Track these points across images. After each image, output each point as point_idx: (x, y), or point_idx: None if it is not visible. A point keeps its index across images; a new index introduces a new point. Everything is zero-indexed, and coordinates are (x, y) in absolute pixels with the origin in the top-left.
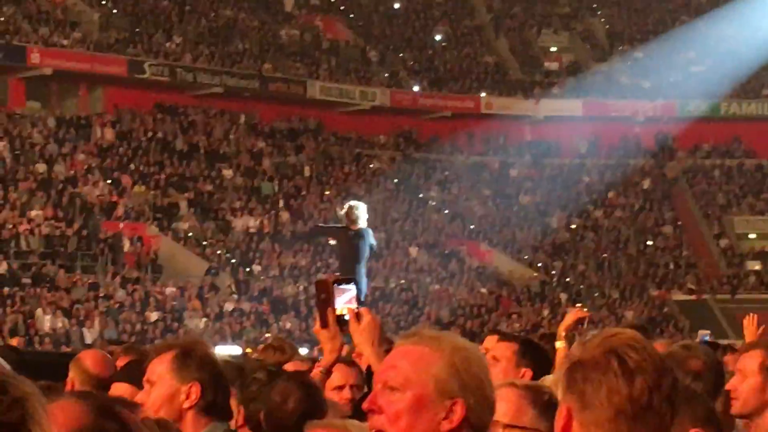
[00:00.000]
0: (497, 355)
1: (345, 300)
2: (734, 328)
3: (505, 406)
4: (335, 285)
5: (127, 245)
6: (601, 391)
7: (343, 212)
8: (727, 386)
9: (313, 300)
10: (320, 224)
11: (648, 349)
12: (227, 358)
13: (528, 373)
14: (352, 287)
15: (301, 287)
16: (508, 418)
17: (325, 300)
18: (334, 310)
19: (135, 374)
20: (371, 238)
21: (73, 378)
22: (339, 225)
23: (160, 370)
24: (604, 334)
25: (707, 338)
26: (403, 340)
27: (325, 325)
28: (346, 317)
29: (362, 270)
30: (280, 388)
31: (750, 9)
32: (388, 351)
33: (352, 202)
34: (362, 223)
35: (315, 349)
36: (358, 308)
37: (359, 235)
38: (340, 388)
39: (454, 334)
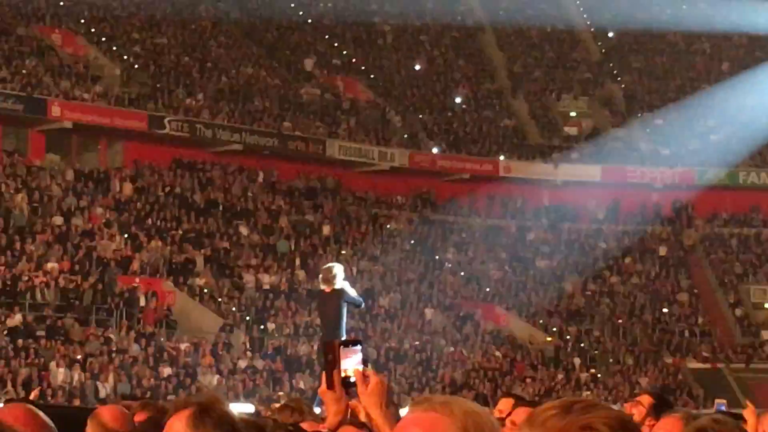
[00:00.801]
0: (516, 419)
1: (353, 362)
2: (749, 398)
3: None
4: (342, 347)
5: (142, 300)
6: None
7: (320, 276)
8: None
9: None
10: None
11: (610, 410)
12: (245, 416)
13: None
14: (358, 349)
15: (315, 346)
16: None
17: (332, 361)
18: (340, 371)
19: None
20: (351, 296)
21: None
22: (318, 289)
23: (178, 427)
24: (559, 406)
25: (723, 408)
26: (414, 406)
27: (331, 386)
28: (353, 379)
29: (342, 328)
30: None
31: None
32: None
33: (328, 264)
34: (338, 283)
35: None
36: (364, 370)
37: (336, 295)
38: None
39: (464, 399)
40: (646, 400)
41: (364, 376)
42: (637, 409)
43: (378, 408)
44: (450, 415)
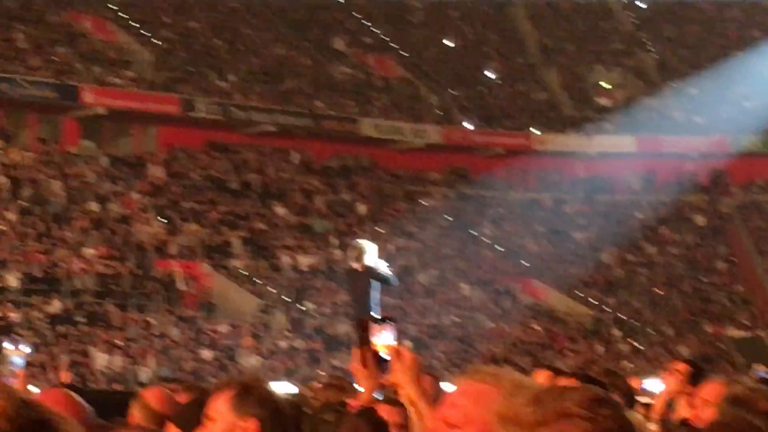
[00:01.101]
0: None
1: (385, 339)
2: None
3: None
4: (373, 324)
5: (180, 283)
6: None
7: (349, 253)
8: None
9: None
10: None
11: (592, 388)
12: (288, 396)
13: None
14: (391, 325)
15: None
16: None
17: (364, 338)
18: (372, 348)
19: (190, 415)
20: (381, 273)
21: (137, 416)
22: (352, 267)
23: (220, 406)
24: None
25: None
26: (465, 376)
27: (363, 363)
28: (385, 356)
29: (370, 306)
30: (351, 427)
31: None
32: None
33: (356, 241)
34: (368, 260)
35: None
36: (398, 346)
37: (365, 272)
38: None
39: (514, 371)
40: (683, 367)
41: (398, 353)
42: (675, 377)
43: (412, 384)
44: (498, 386)
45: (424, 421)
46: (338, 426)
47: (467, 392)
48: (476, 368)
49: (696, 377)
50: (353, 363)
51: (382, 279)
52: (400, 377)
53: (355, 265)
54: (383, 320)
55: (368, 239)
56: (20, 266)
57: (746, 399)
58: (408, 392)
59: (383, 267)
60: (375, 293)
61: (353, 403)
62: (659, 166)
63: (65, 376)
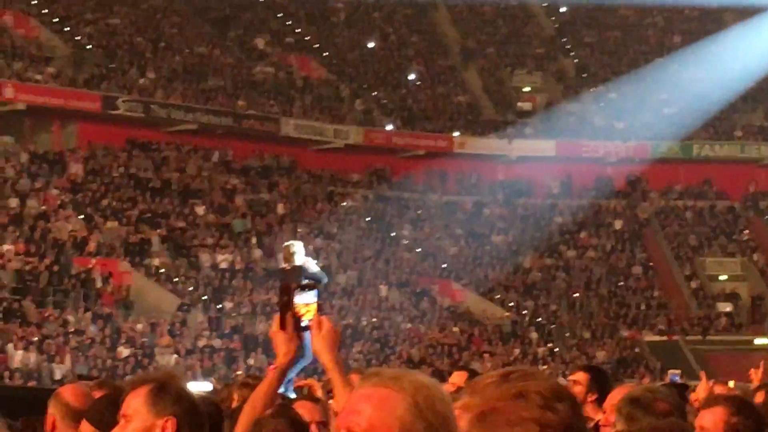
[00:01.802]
0: None
1: (305, 299)
2: (705, 369)
3: None
4: (298, 290)
5: (98, 281)
6: (532, 429)
7: (280, 254)
8: None
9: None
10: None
11: (547, 378)
12: (203, 394)
13: None
14: (314, 293)
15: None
16: None
17: (286, 303)
18: (294, 313)
19: (104, 412)
20: (311, 272)
21: (54, 413)
22: (282, 267)
23: (136, 404)
24: (496, 377)
25: (677, 378)
26: (363, 381)
27: (283, 327)
28: (305, 323)
29: None
30: (271, 426)
31: (722, 51)
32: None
33: (288, 242)
34: (298, 260)
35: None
36: (319, 316)
37: (296, 272)
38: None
39: (416, 373)
40: (582, 377)
41: (318, 322)
42: (576, 389)
43: (329, 353)
44: (400, 390)
45: (337, 389)
46: (257, 427)
47: (369, 398)
48: (376, 372)
49: (599, 381)
50: (273, 327)
51: (311, 276)
52: (318, 345)
53: (286, 265)
54: (307, 287)
55: (290, 239)
56: None
57: (644, 400)
58: (324, 360)
59: (313, 266)
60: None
61: (270, 368)
62: (578, 171)
63: None
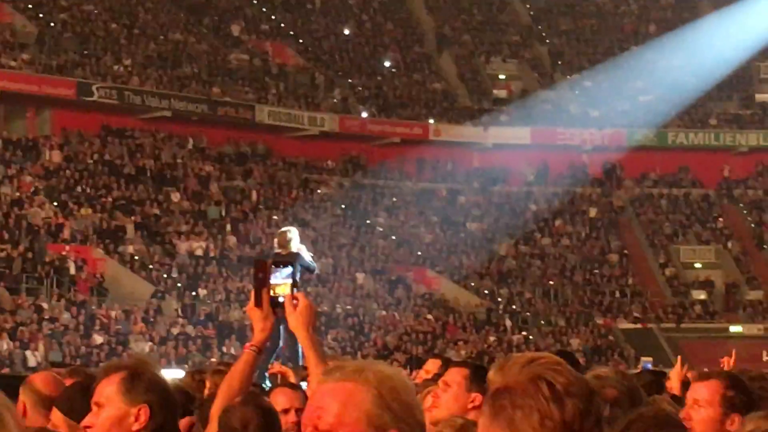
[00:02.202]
0: (448, 380)
1: (280, 279)
2: (679, 356)
3: None
4: (273, 266)
5: (72, 268)
6: (532, 418)
7: (275, 240)
8: (682, 414)
9: None
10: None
11: (573, 373)
12: (176, 382)
13: (478, 398)
14: (289, 269)
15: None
16: None
17: (262, 280)
18: (269, 290)
19: (75, 399)
20: (306, 260)
21: (24, 400)
22: (275, 252)
23: (109, 392)
24: (524, 359)
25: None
26: (326, 376)
27: (259, 304)
28: (281, 299)
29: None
30: (240, 415)
31: (698, 39)
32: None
33: (283, 228)
34: (294, 246)
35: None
36: (294, 293)
37: (291, 258)
38: (286, 411)
39: (376, 363)
40: (458, 374)
41: (293, 299)
42: (450, 391)
43: (305, 330)
44: (364, 383)
45: (311, 368)
46: (226, 415)
47: (334, 393)
48: (338, 366)
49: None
50: (249, 304)
51: (306, 266)
52: (294, 322)
53: (281, 252)
54: (282, 263)
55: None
56: None
57: (593, 387)
58: (299, 338)
59: (306, 254)
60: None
61: (246, 346)
62: (553, 158)
63: None
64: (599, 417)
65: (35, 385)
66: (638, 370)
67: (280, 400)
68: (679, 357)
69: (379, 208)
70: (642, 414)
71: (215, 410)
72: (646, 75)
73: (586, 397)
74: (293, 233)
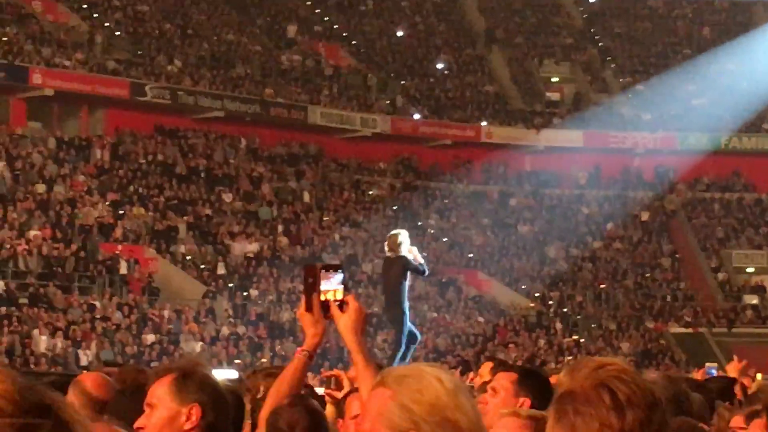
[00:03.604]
0: (496, 386)
1: (332, 285)
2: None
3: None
4: (323, 271)
5: (124, 267)
6: (592, 425)
7: (386, 242)
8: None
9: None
10: None
11: (638, 382)
12: (228, 382)
13: (527, 402)
14: (339, 274)
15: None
16: None
17: (312, 284)
18: (319, 294)
19: (127, 403)
20: (414, 263)
21: (73, 400)
22: (387, 256)
23: (160, 392)
24: (593, 364)
25: (713, 372)
26: (374, 382)
27: (309, 308)
28: (331, 303)
29: (404, 295)
30: (287, 416)
31: (751, 44)
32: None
33: (394, 231)
34: (404, 249)
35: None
36: (344, 296)
37: (399, 262)
38: (357, 417)
39: (419, 367)
40: (506, 379)
41: (343, 302)
42: (498, 397)
43: (353, 334)
44: (392, 389)
45: (359, 372)
46: (274, 417)
47: (371, 400)
48: (385, 373)
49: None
50: (299, 309)
51: (414, 269)
52: (343, 325)
53: (390, 254)
54: (332, 267)
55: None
56: None
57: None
58: (348, 341)
59: (418, 256)
60: (407, 283)
61: (298, 350)
62: (606, 162)
63: None
64: (662, 428)
65: (85, 386)
66: (697, 375)
67: (354, 405)
68: (734, 357)
69: (431, 209)
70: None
71: (264, 413)
72: (700, 79)
73: (649, 407)
74: (403, 236)
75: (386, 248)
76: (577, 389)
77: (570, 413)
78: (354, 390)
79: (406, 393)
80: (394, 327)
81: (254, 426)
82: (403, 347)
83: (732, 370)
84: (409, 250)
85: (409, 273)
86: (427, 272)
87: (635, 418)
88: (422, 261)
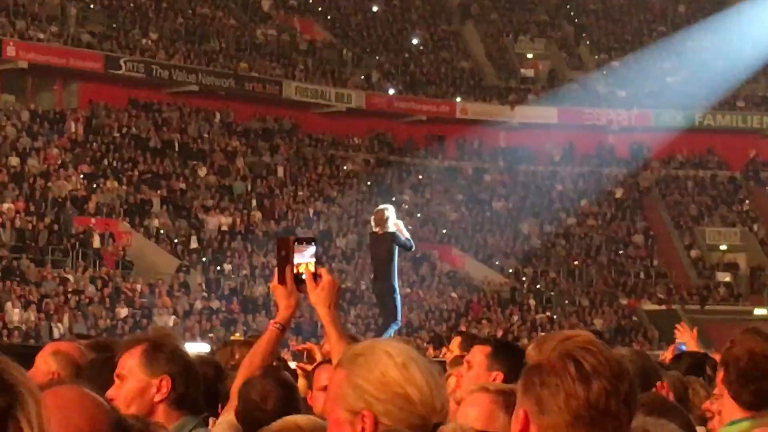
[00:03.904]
0: (470, 359)
1: (305, 258)
2: (702, 339)
3: (477, 411)
4: (296, 243)
5: (97, 241)
6: (558, 396)
7: (372, 218)
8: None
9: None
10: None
11: (604, 353)
12: (204, 355)
13: (499, 376)
14: (312, 247)
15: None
16: (480, 424)
17: (285, 257)
18: (292, 267)
19: (100, 372)
20: (402, 238)
21: (59, 370)
22: (373, 231)
23: (131, 364)
24: (560, 336)
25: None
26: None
27: (282, 281)
28: (304, 276)
29: (395, 270)
30: (259, 387)
31: (727, 22)
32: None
33: (380, 206)
34: (390, 225)
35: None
36: (317, 268)
37: (387, 237)
38: (326, 388)
39: (372, 343)
40: (480, 352)
41: (316, 275)
42: (472, 372)
43: (325, 306)
44: (346, 368)
45: (332, 345)
46: (245, 388)
47: (330, 381)
48: (345, 352)
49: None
50: (272, 281)
51: (402, 244)
52: (315, 298)
53: (377, 230)
54: (306, 240)
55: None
56: None
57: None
58: (321, 314)
59: (404, 231)
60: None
61: (271, 322)
62: (580, 138)
63: None
64: (629, 397)
65: (69, 353)
66: (667, 352)
67: (322, 376)
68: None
69: (405, 185)
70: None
71: (235, 386)
72: (675, 57)
73: (615, 376)
74: (390, 211)
75: (372, 224)
76: (544, 361)
77: (537, 385)
78: (323, 362)
79: (358, 372)
80: (385, 302)
81: (225, 397)
82: (398, 320)
83: (689, 340)
84: (395, 225)
85: (397, 248)
86: (414, 247)
87: (601, 387)
88: (408, 236)
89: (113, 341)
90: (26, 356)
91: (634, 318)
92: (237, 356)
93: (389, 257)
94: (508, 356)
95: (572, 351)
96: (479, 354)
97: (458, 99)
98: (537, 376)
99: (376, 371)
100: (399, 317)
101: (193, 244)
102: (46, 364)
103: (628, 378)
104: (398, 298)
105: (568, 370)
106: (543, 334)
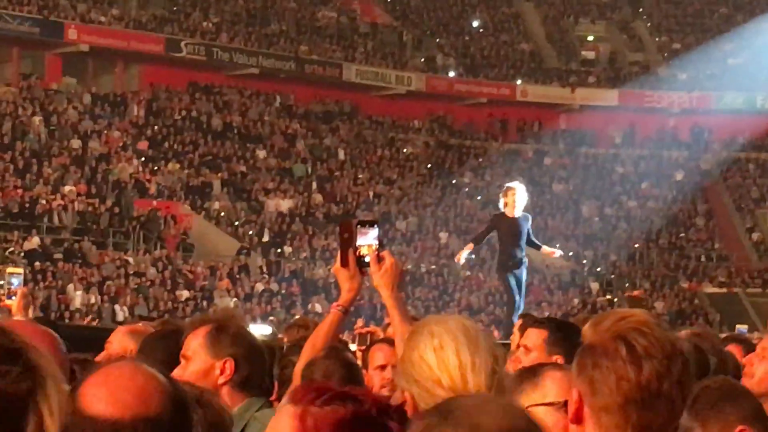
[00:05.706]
0: (528, 344)
1: (367, 241)
2: (765, 322)
3: (557, 385)
4: (359, 226)
5: (159, 223)
6: (609, 378)
7: (502, 196)
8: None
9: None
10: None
11: (657, 334)
12: (262, 336)
13: (560, 359)
14: (375, 229)
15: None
16: (562, 396)
17: (348, 239)
18: (355, 249)
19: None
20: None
21: (134, 349)
22: (496, 214)
23: (195, 345)
24: (615, 316)
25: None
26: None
27: (345, 264)
28: (367, 259)
29: (522, 247)
30: (323, 368)
31: None
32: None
33: (511, 183)
34: (518, 211)
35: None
36: (380, 251)
37: (520, 219)
38: (382, 367)
39: (429, 320)
40: (537, 336)
41: (379, 257)
42: (531, 356)
43: (389, 289)
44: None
45: (395, 327)
46: (309, 369)
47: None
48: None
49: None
50: (335, 264)
51: (531, 243)
52: (378, 280)
53: (504, 210)
54: (368, 223)
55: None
56: None
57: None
58: (384, 296)
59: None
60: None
61: (333, 305)
62: (641, 121)
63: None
64: (682, 379)
65: (144, 334)
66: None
67: (377, 356)
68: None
69: (465, 168)
70: (708, 386)
71: (298, 368)
72: (737, 39)
73: (668, 357)
74: (519, 193)
75: (501, 201)
76: (597, 342)
77: (589, 366)
78: (378, 341)
79: (405, 350)
80: (502, 284)
81: (280, 379)
82: (517, 301)
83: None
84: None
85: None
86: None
87: (653, 369)
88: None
89: (182, 323)
90: (91, 339)
91: (696, 301)
92: (285, 340)
93: (518, 234)
94: (566, 338)
95: (625, 332)
96: (537, 338)
97: (519, 81)
98: (589, 358)
99: (416, 352)
100: (516, 299)
101: (253, 227)
102: (121, 343)
103: (682, 359)
104: (512, 282)
105: (620, 352)
106: (600, 314)
